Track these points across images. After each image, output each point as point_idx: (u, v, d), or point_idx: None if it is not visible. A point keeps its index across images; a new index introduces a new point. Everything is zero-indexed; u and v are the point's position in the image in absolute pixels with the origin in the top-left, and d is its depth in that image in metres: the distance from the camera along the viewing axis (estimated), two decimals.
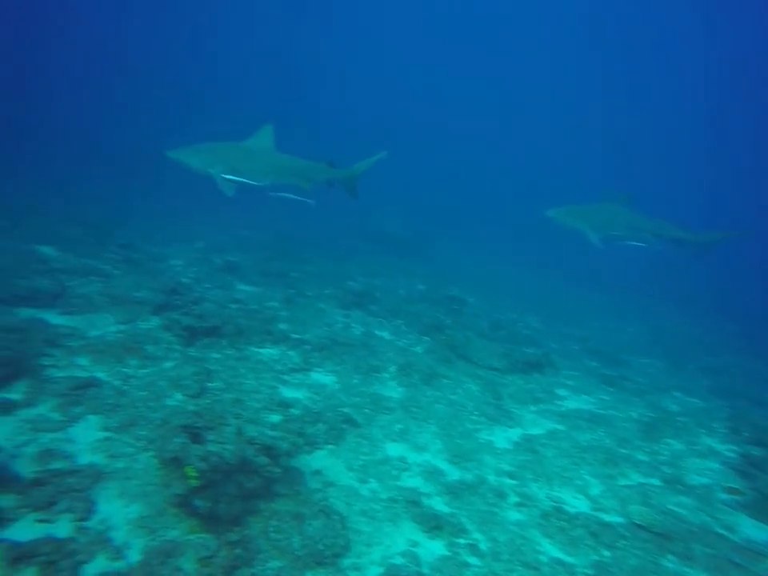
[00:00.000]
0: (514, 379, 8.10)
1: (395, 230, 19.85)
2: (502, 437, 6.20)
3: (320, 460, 5.04)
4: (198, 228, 15.87)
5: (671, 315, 17.63)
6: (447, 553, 4.11)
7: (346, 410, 5.99)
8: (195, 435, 4.11)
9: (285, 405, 5.77)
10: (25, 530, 3.59)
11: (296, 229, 18.12)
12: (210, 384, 6.01)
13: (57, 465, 4.33)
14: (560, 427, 6.60)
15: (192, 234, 14.73)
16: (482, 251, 23.67)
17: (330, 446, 5.26)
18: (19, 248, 9.54)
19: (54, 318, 7.12)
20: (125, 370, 6.14)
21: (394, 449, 5.49)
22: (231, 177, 6.88)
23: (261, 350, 7.33)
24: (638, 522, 4.75)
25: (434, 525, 4.38)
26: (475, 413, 6.65)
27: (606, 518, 4.77)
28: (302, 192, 7.60)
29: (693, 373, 10.86)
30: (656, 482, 5.83)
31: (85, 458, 4.48)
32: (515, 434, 6.32)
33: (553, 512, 4.67)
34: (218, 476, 3.85)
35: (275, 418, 5.42)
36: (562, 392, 7.87)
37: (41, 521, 3.72)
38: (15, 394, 5.24)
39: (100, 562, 3.49)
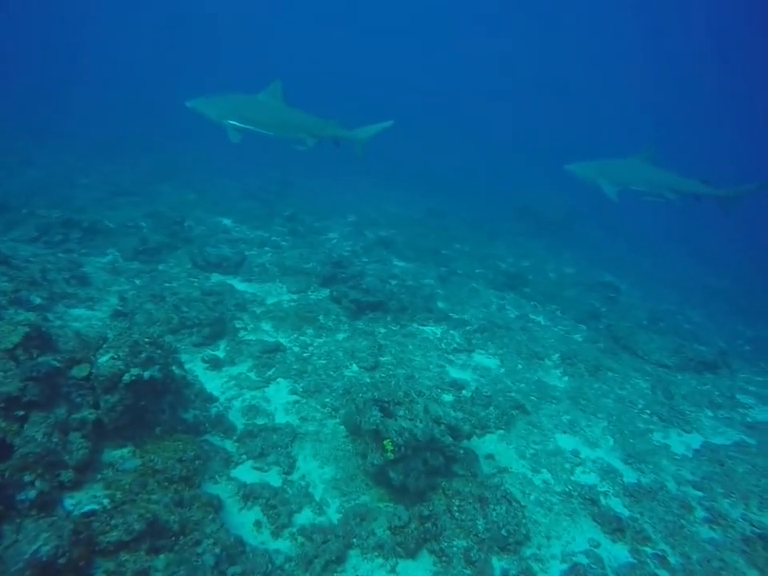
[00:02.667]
0: (686, 379, 7.37)
1: (544, 210, 19.00)
2: (679, 441, 5.69)
3: (492, 444, 5.04)
4: (349, 203, 16.50)
5: None
6: (633, 560, 3.90)
7: (513, 395, 5.91)
8: (385, 409, 4.29)
9: (455, 386, 5.83)
10: (247, 474, 4.09)
11: (446, 206, 18.10)
12: (382, 358, 6.26)
13: (260, 420, 4.83)
14: (750, 440, 5.88)
15: (344, 208, 15.34)
16: (627, 233, 21.71)
17: (500, 431, 5.23)
18: (207, 219, 10.68)
19: (239, 285, 7.88)
20: (303, 338, 6.62)
21: (564, 441, 5.31)
22: (241, 125, 7.25)
23: (424, 328, 7.47)
24: None
25: (616, 527, 4.18)
26: (646, 411, 6.18)
27: None
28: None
29: None
30: None
31: (281, 418, 4.93)
32: (694, 440, 5.77)
33: (756, 539, 4.20)
34: (409, 451, 3.99)
35: (447, 397, 5.52)
36: (744, 399, 7.00)
37: (256, 468, 4.19)
38: (220, 351, 5.91)
39: (306, 514, 3.83)
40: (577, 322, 9.17)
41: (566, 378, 6.68)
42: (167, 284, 7.29)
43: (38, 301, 5.45)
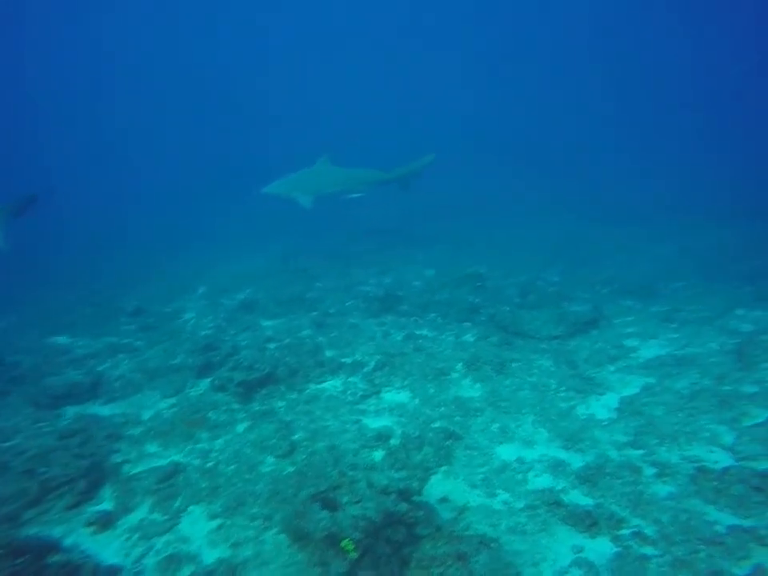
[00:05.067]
0: (579, 343, 7.83)
1: (380, 225, 19.56)
2: (600, 406, 5.97)
3: (441, 485, 4.79)
4: (190, 273, 15.35)
5: (685, 229, 17.02)
6: (618, 549, 3.90)
7: (438, 424, 5.74)
8: (327, 501, 3.83)
9: (381, 438, 5.49)
10: None
11: (291, 248, 17.67)
12: (294, 437, 5.71)
13: (186, 571, 4.05)
14: (651, 380, 6.37)
15: (190, 281, 14.23)
16: (468, 216, 23.06)
17: (443, 468, 5.01)
18: (37, 344, 9.10)
19: (102, 410, 6.79)
20: (199, 446, 5.84)
21: (505, 451, 5.24)
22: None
23: (322, 385, 7.05)
24: None
25: (589, 522, 4.17)
26: (562, 389, 6.41)
27: (759, 465, 4.58)
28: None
29: (734, 283, 10.52)
30: None
31: (210, 555, 4.19)
32: (611, 399, 6.08)
33: (699, 474, 4.48)
34: (370, 539, 3.59)
35: (378, 454, 5.16)
36: (630, 342, 7.61)
37: None
38: (106, 503, 4.93)
39: None
40: (460, 321, 9.35)
41: (478, 385, 6.70)
42: (7, 443, 5.97)
43: None
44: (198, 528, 4.52)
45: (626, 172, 25.22)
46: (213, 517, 4.62)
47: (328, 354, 8.13)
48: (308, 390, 6.93)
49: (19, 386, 7.36)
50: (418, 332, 9.09)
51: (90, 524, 4.60)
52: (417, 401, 6.41)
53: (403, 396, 6.58)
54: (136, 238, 21.63)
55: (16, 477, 5.00)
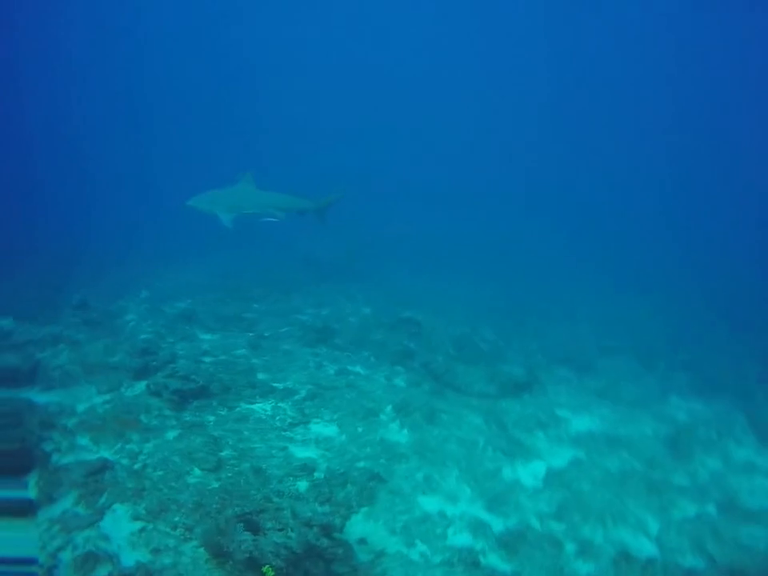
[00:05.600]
0: (510, 404, 8.27)
1: (324, 255, 19.94)
2: (526, 472, 6.41)
3: (361, 525, 5.16)
4: (135, 275, 15.24)
5: (618, 299, 17.03)
6: None
7: (363, 464, 6.20)
8: (251, 523, 4.29)
9: (306, 469, 5.90)
10: None
11: (233, 266, 17.71)
12: (222, 453, 6.09)
13: (103, 570, 4.29)
14: (580, 454, 6.86)
15: (134, 283, 14.16)
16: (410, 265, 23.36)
17: (364, 509, 5.40)
18: None
19: (38, 396, 6.92)
20: (129, 446, 6.10)
21: (427, 502, 5.66)
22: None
23: (252, 406, 7.42)
24: (723, 564, 4.76)
25: None
26: (489, 448, 6.87)
27: (685, 561, 4.85)
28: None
29: (669, 370, 10.81)
30: (712, 509, 5.96)
31: (129, 557, 4.43)
32: (538, 467, 6.51)
33: (622, 559, 4.82)
34: (290, 569, 3.96)
35: (303, 485, 5.60)
36: (561, 413, 8.09)
37: None
38: (30, 491, 5.13)
39: None
40: (392, 364, 9.90)
41: (406, 431, 7.22)
42: None
43: None
44: (120, 526, 4.79)
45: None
46: (136, 518, 4.91)
47: (261, 376, 8.54)
48: (238, 409, 7.31)
49: None
50: (350, 368, 9.61)
51: None
52: (344, 437, 6.91)
53: (331, 430, 7.08)
54: (98, 230, 21.02)
55: None
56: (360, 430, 7.13)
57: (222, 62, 50.66)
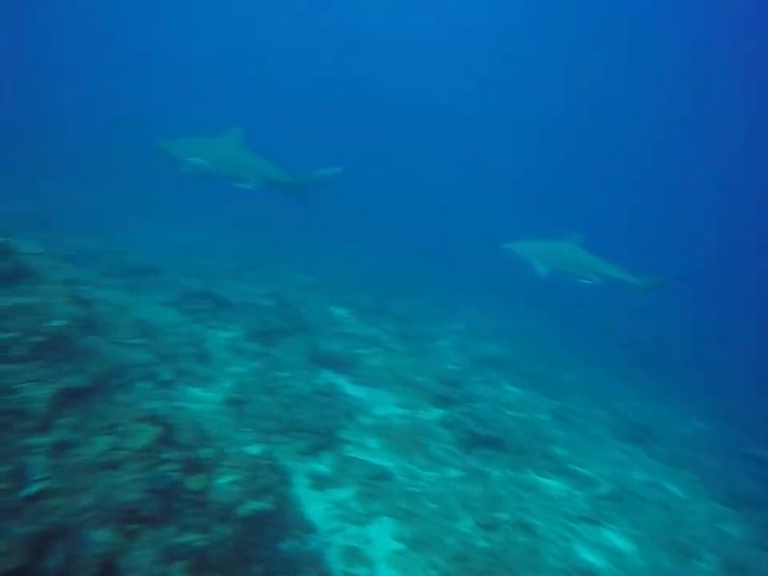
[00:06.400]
0: None
1: (647, 339, 17.31)
2: None
3: None
4: (454, 303, 16.05)
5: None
6: None
7: None
8: None
9: (586, 574, 4.82)
10: None
11: (535, 322, 17.03)
12: (498, 514, 5.41)
13: (360, 571, 4.17)
14: None
15: (453, 312, 14.87)
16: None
17: None
18: (322, 308, 10.68)
19: (349, 387, 7.50)
20: (411, 466, 5.97)
21: None
22: (196, 163, 7.77)
23: (543, 480, 6.55)
24: None
25: None
26: None
27: None
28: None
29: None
30: None
31: (383, 572, 4.23)
32: None
33: None
34: None
35: None
36: None
37: None
38: (324, 466, 5.41)
39: None
40: (723, 504, 7.70)
41: None
42: (280, 372, 7.04)
43: (167, 376, 5.34)
44: (383, 540, 4.61)
45: None
46: (399, 539, 4.67)
47: (559, 451, 7.57)
48: (526, 476, 6.52)
49: (303, 334, 8.55)
50: (667, 485, 7.85)
51: (308, 476, 5.12)
52: (642, 562, 5.44)
53: (626, 546, 5.67)
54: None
55: (280, 404, 5.90)
56: (665, 563, 5.55)
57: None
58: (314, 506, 4.75)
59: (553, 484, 6.49)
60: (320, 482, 5.09)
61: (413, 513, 5.05)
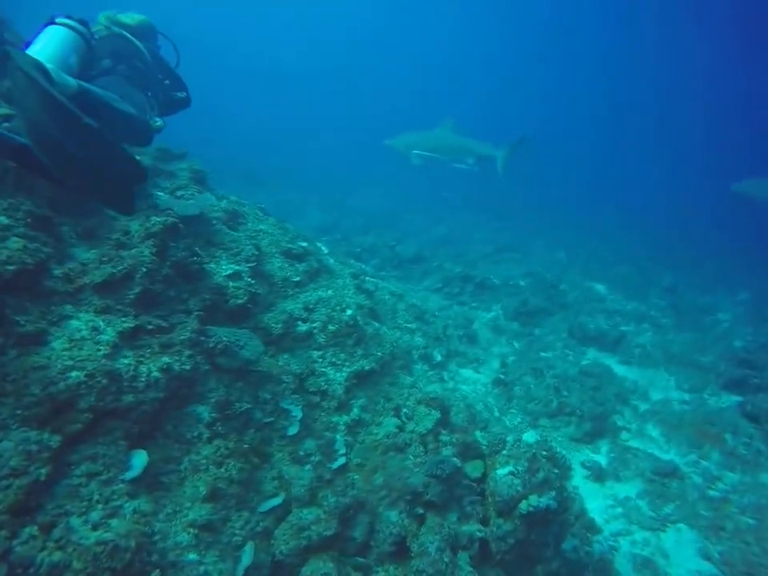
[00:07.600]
0: None
1: None
2: None
3: None
4: (729, 270, 13.21)
5: None
6: None
7: None
8: None
9: None
10: None
11: None
12: None
13: None
14: None
15: (727, 279, 12.22)
16: None
17: None
18: (580, 284, 9.83)
19: (617, 367, 6.70)
20: (705, 463, 5.04)
21: None
22: (421, 153, 8.83)
23: None
24: None
25: None
26: None
27: None
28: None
29: None
30: None
31: None
32: None
33: None
34: None
35: None
36: None
37: None
38: (601, 456, 4.90)
39: None
40: None
41: None
42: (543, 353, 6.67)
43: (439, 358, 5.43)
44: (683, 557, 3.92)
45: None
46: (706, 558, 3.90)
47: None
48: None
49: (563, 311, 7.94)
50: None
51: (584, 467, 4.68)
52: None
53: None
54: None
55: (546, 386, 5.55)
56: None
57: None
58: (593, 501, 4.31)
59: None
60: (598, 474, 4.61)
61: (721, 527, 4.19)
